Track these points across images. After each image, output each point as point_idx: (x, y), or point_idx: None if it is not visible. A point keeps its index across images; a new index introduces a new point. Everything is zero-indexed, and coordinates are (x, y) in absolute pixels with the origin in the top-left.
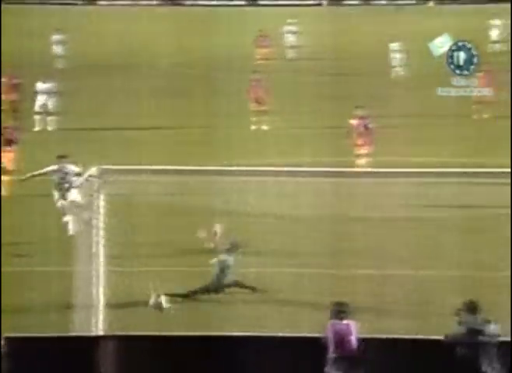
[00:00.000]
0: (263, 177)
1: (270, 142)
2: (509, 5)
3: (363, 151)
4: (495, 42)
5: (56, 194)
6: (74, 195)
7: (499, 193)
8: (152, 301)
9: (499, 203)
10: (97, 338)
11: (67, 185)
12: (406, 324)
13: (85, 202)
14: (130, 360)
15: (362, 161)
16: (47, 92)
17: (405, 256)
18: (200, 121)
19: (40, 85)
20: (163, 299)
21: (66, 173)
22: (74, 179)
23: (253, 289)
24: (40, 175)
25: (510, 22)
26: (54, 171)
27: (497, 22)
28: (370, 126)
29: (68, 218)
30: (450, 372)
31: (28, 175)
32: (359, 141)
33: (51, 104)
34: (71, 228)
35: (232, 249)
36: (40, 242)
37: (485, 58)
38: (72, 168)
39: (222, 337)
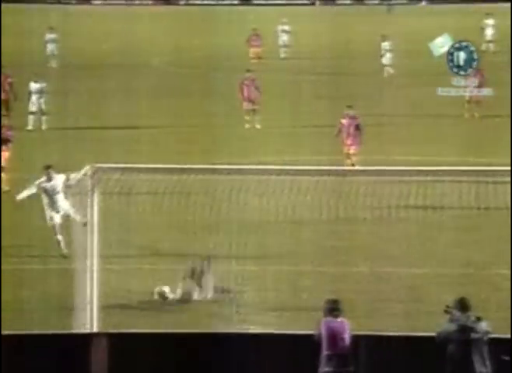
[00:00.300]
0: (257, 175)
1: (263, 141)
2: (502, 5)
3: (352, 150)
4: (488, 41)
5: (46, 208)
6: (65, 206)
7: (493, 192)
8: (156, 289)
9: (493, 201)
10: (92, 335)
11: (57, 196)
12: (399, 322)
13: (77, 210)
14: (124, 357)
15: (350, 160)
16: (41, 92)
17: (397, 255)
18: (194, 120)
19: (33, 85)
20: (167, 289)
21: (55, 184)
22: (60, 188)
23: (229, 292)
24: (33, 188)
25: (502, 21)
26: (42, 182)
27: (490, 21)
28: (361, 126)
29: (60, 237)
30: (442, 369)
31: (24, 194)
32: (349, 141)
33: (44, 103)
34: (64, 246)
35: (208, 263)
36: (35, 240)
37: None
38: (60, 178)
39: (218, 335)
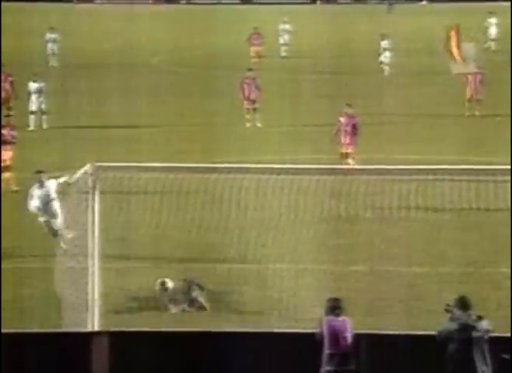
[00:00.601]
0: (258, 174)
1: (264, 140)
2: (504, 3)
3: (350, 150)
4: (492, 40)
5: (40, 214)
6: (59, 214)
7: (494, 191)
8: (158, 283)
9: (494, 200)
10: (93, 334)
11: (52, 203)
12: (400, 320)
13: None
14: (125, 356)
15: (346, 159)
16: (40, 91)
17: (398, 253)
18: (195, 119)
19: (32, 84)
20: (169, 283)
21: (48, 190)
22: (54, 195)
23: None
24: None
25: (504, 20)
26: (34, 188)
27: (492, 20)
28: (358, 125)
29: (59, 238)
30: (443, 368)
31: (32, 205)
32: (346, 140)
33: (44, 103)
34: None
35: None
36: (36, 238)
37: (480, 56)
38: (52, 183)
39: (220, 333)
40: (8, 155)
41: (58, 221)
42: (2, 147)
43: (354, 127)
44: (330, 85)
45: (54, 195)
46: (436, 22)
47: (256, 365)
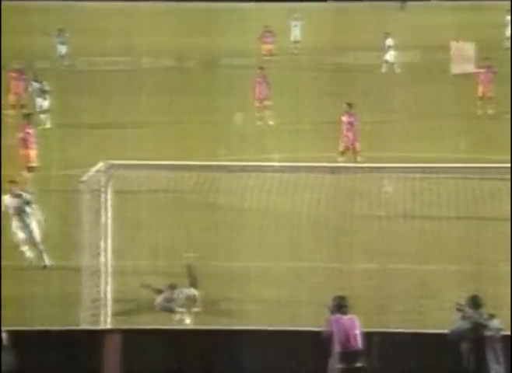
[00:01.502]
0: (268, 172)
1: (276, 137)
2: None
3: (356, 147)
4: (507, 38)
5: (14, 227)
6: (35, 229)
7: (505, 188)
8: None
9: (506, 198)
10: (104, 331)
11: (23, 215)
12: (410, 318)
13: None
14: (136, 353)
15: (344, 157)
16: (41, 91)
17: (408, 251)
18: (207, 117)
19: (35, 84)
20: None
21: (20, 202)
22: (27, 209)
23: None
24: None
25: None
26: (7, 197)
27: (504, 18)
28: (356, 124)
29: (41, 248)
30: (453, 366)
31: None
32: (349, 138)
33: (47, 102)
34: (46, 258)
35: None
36: (50, 236)
37: (489, 54)
38: (25, 196)
39: (227, 331)
40: (33, 153)
41: (26, 234)
42: (30, 146)
43: (352, 125)
44: (342, 82)
45: (28, 209)
46: (449, 19)
47: (266, 361)
